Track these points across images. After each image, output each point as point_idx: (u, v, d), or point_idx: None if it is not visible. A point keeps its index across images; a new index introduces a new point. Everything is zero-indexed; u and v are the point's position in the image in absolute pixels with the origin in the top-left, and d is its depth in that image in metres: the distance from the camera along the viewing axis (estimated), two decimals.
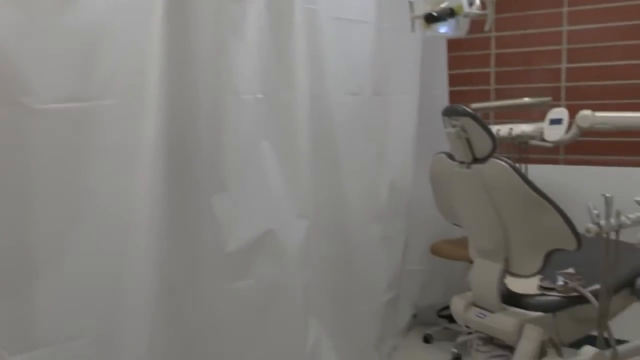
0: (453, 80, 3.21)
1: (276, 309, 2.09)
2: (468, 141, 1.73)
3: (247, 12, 2.02)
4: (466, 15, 1.70)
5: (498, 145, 1.72)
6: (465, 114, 1.70)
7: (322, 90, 2.33)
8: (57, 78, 1.51)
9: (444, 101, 3.14)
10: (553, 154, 3.00)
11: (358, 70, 2.56)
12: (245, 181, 2.04)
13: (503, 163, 1.66)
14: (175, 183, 1.82)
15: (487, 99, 3.11)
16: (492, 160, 1.69)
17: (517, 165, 2.55)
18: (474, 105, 2.62)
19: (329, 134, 2.39)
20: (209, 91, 1.95)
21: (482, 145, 1.71)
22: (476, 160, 1.74)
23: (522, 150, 2.67)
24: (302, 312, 2.15)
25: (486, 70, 3.13)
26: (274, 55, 2.11)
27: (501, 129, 2.49)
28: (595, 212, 1.59)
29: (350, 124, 2.51)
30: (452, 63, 3.21)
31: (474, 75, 3.18)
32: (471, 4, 1.76)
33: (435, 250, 3.10)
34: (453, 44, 3.16)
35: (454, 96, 3.20)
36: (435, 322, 3.37)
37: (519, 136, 2.43)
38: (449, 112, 1.77)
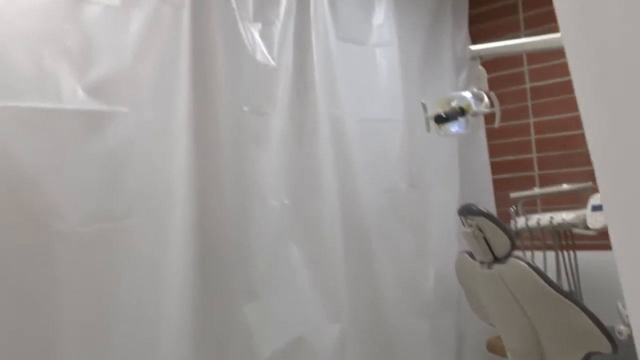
0: (495, 168, 3.16)
1: None
2: (486, 240, 1.68)
3: (270, 125, 2.11)
4: (475, 114, 1.70)
5: (516, 243, 1.66)
6: (479, 213, 1.67)
7: (353, 190, 2.33)
8: (84, 201, 1.62)
9: (488, 190, 3.08)
10: (604, 238, 2.83)
11: (390, 168, 2.55)
12: (275, 287, 2.05)
13: (522, 263, 1.59)
14: (205, 292, 1.85)
15: (533, 185, 3.02)
16: (512, 260, 1.63)
17: (563, 253, 2.44)
18: (514, 195, 2.55)
19: (362, 231, 2.36)
20: (235, 200, 2.01)
21: (500, 244, 1.66)
22: (497, 259, 1.69)
23: (568, 237, 2.54)
24: None
25: (529, 156, 3.07)
26: (300, 162, 2.16)
27: (541, 218, 2.40)
28: (626, 312, 1.48)
29: (385, 218, 2.48)
30: (493, 150, 3.17)
31: (516, 162, 3.11)
32: (481, 99, 1.76)
33: (492, 347, 2.93)
34: (492, 132, 3.13)
35: (498, 184, 3.13)
36: None
37: (560, 225, 2.33)
38: (463, 212, 1.73)
